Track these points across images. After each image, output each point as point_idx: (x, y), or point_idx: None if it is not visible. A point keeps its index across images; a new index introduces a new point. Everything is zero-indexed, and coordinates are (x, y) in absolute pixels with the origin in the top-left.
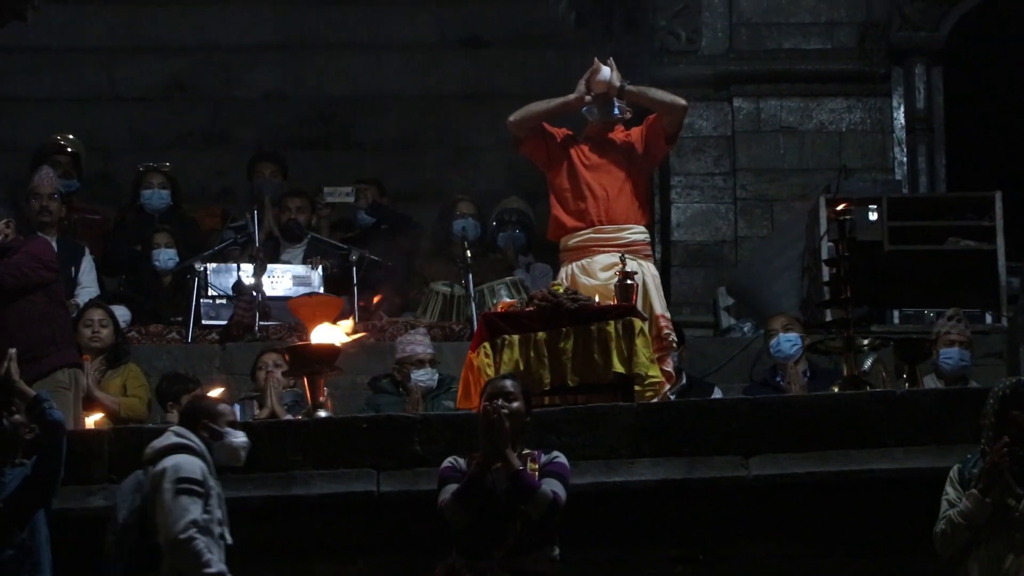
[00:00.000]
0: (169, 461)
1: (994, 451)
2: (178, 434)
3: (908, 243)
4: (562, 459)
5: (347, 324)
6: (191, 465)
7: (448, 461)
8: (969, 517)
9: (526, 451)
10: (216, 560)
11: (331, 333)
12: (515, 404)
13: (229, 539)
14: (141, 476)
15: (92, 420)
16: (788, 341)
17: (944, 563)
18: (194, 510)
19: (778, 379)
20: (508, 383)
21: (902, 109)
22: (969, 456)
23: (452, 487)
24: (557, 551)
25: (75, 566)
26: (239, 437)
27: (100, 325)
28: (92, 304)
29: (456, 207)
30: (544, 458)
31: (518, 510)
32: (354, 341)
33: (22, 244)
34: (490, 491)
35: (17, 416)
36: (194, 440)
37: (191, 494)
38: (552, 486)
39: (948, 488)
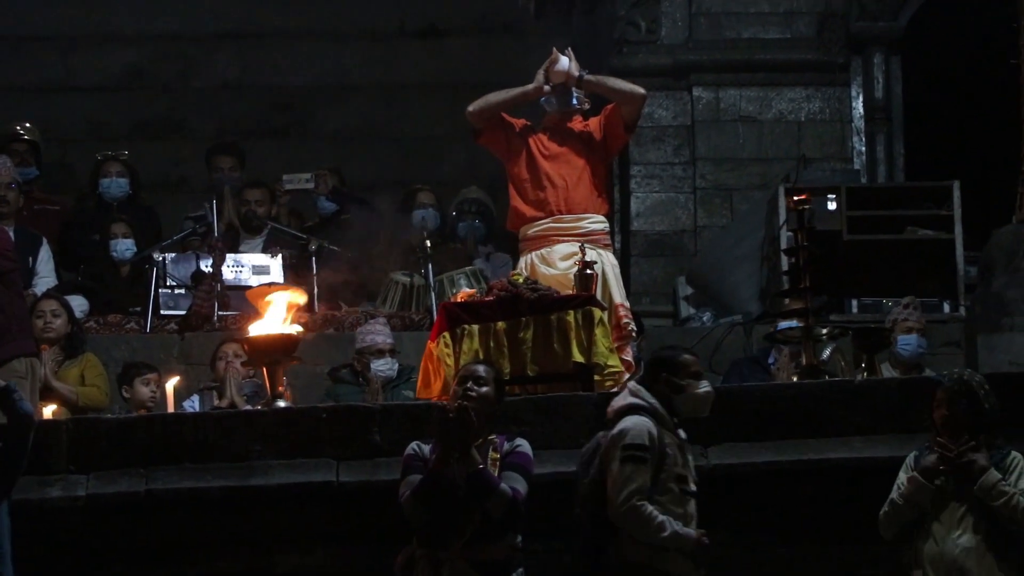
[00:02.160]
0: (621, 425)
1: (952, 448)
2: (633, 392)
3: (867, 232)
4: (525, 448)
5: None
6: (638, 429)
7: (411, 448)
8: (910, 498)
9: (491, 436)
10: (670, 521)
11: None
12: (484, 389)
13: (692, 487)
14: (600, 438)
15: (49, 410)
16: None
17: (896, 545)
18: (637, 478)
19: (771, 360)
20: (480, 368)
21: (861, 99)
22: (927, 444)
23: (413, 478)
24: (519, 539)
25: (33, 556)
26: (703, 387)
27: (52, 315)
28: (44, 295)
29: (416, 197)
30: (507, 446)
31: (477, 503)
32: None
33: None
34: (450, 483)
35: None
36: (647, 398)
37: (635, 461)
38: (512, 482)
39: (901, 474)
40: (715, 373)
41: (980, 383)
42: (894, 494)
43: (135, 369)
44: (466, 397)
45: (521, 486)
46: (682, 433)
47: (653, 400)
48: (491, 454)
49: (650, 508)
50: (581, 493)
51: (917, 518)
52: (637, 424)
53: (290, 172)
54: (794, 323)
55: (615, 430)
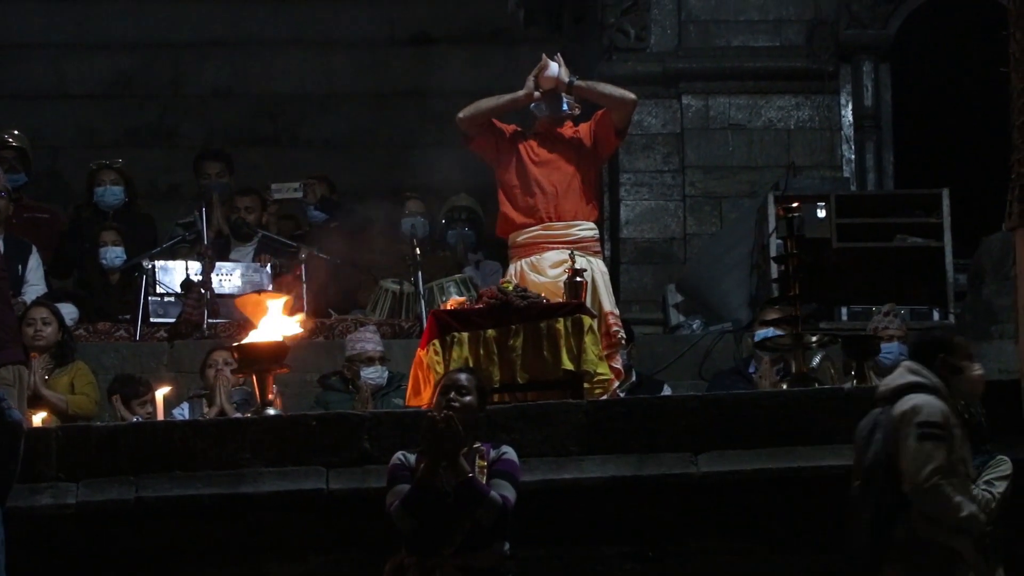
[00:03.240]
0: (910, 402)
1: None
2: (912, 370)
3: (856, 240)
4: (511, 455)
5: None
6: (932, 407)
7: (397, 457)
8: None
9: (476, 444)
10: (967, 502)
11: (280, 326)
12: (467, 398)
13: (972, 474)
14: (878, 415)
15: (39, 418)
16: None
17: None
18: (938, 456)
19: (751, 370)
20: (462, 376)
21: (850, 106)
22: None
23: (401, 488)
24: (507, 546)
25: (24, 565)
26: (977, 369)
27: (43, 323)
28: (35, 303)
29: (405, 205)
30: (493, 454)
31: (467, 511)
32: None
33: None
34: (439, 492)
35: None
36: (929, 376)
37: (934, 438)
38: (502, 490)
39: None
40: (704, 381)
41: None
42: None
43: (131, 389)
44: (449, 407)
45: (510, 493)
46: None
47: (936, 379)
48: (478, 462)
49: (950, 488)
50: (863, 468)
51: None
52: (930, 402)
53: (278, 180)
54: (772, 331)
55: (906, 406)
